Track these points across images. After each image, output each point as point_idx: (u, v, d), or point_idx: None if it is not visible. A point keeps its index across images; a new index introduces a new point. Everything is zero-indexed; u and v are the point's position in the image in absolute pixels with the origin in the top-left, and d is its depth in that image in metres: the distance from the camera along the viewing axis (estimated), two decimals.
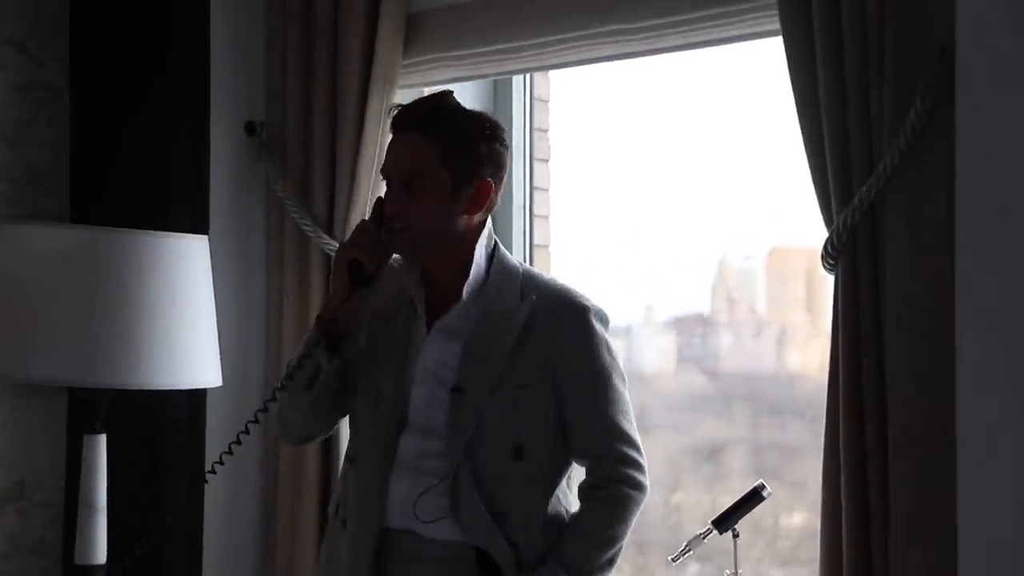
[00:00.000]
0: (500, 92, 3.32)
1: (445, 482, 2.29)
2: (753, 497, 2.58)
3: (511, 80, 3.28)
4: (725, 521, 2.58)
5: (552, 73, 3.31)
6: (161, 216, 3.08)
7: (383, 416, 2.34)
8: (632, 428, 2.37)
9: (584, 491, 2.35)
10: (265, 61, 3.16)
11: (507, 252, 2.43)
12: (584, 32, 2.74)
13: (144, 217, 3.05)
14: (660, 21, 2.61)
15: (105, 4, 3.34)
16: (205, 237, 2.89)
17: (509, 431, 2.30)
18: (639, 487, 2.34)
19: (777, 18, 2.33)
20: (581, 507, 2.35)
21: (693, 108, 3.09)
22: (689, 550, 2.61)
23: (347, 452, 2.44)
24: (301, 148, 3.07)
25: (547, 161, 3.40)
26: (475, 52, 2.92)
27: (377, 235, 2.32)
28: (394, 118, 2.35)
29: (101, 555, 2.85)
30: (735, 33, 2.53)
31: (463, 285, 2.33)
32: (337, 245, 2.93)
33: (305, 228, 3.00)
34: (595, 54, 2.78)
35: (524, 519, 2.30)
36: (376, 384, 2.36)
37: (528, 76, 3.28)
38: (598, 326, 2.35)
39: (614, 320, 2.41)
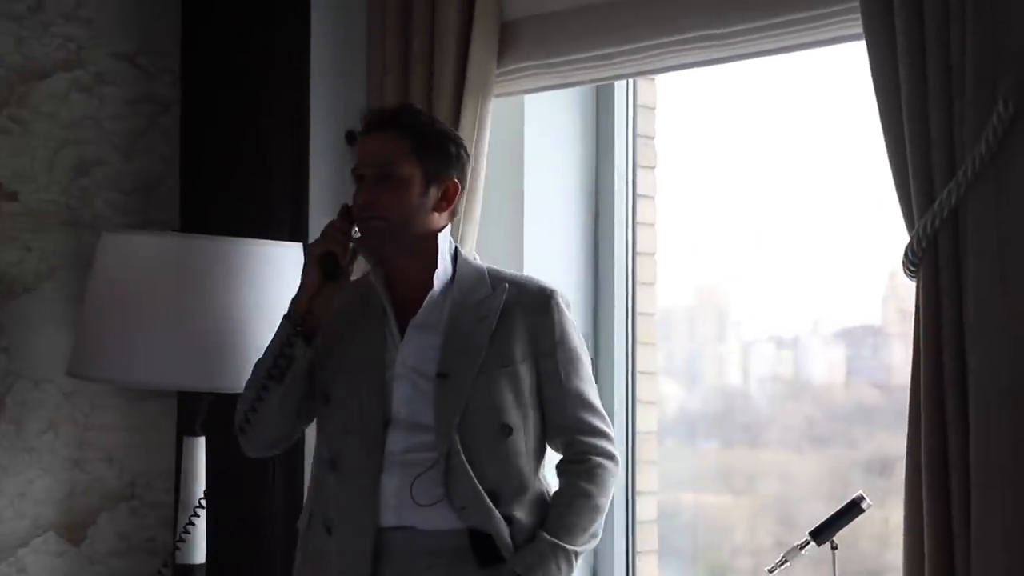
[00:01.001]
0: (603, 99, 3.34)
1: (438, 466, 2.36)
2: (852, 509, 2.54)
3: (613, 87, 3.29)
4: (823, 532, 2.55)
5: (659, 80, 3.31)
6: (262, 224, 3.16)
7: (366, 417, 2.40)
8: (599, 401, 2.51)
9: (564, 466, 2.47)
10: (364, 72, 3.22)
11: (467, 254, 2.55)
12: (673, 38, 2.73)
13: (247, 225, 3.13)
14: (747, 26, 2.59)
15: (213, 20, 3.45)
16: (302, 245, 2.95)
17: (496, 411, 2.41)
18: (613, 458, 2.48)
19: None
20: (563, 481, 2.46)
21: (807, 111, 3.04)
22: (786, 561, 2.58)
23: (322, 458, 2.47)
24: None
25: (653, 168, 3.40)
26: (567, 60, 2.93)
27: (348, 233, 2.41)
28: (365, 121, 2.45)
29: (200, 555, 2.93)
30: (820, 37, 2.51)
31: (430, 282, 2.42)
32: None
33: None
34: (684, 60, 2.77)
35: (515, 494, 2.41)
36: (356, 388, 2.42)
37: (630, 83, 3.28)
38: (565, 309, 2.49)
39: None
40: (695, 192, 3.33)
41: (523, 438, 2.43)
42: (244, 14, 3.37)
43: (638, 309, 3.32)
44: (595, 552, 3.28)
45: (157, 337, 2.79)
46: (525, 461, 2.43)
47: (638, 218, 3.35)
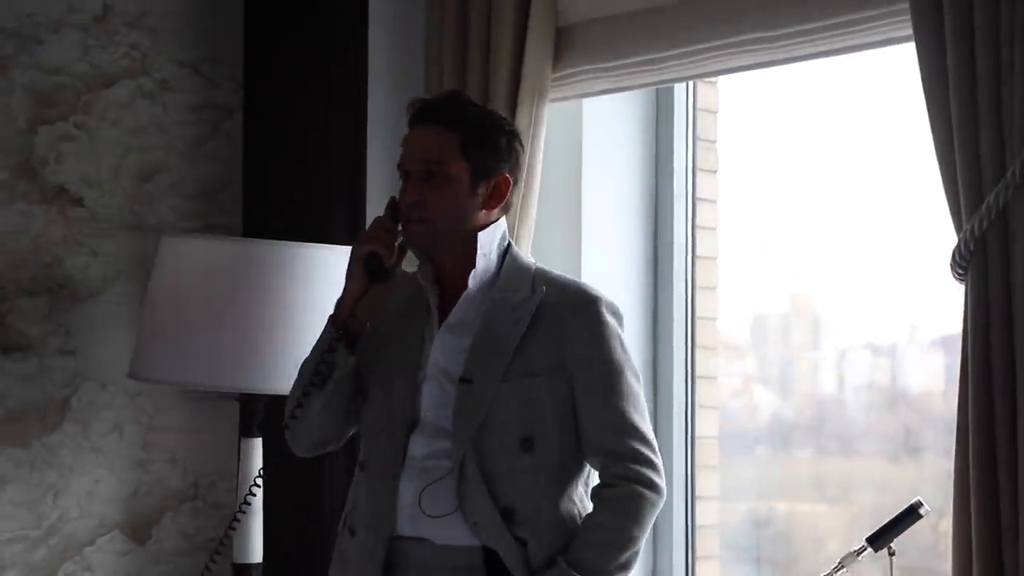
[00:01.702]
0: (662, 103, 3.33)
1: (451, 476, 2.24)
2: (910, 514, 2.50)
3: (672, 91, 3.28)
4: (880, 539, 2.51)
5: (720, 83, 3.30)
6: (321, 228, 3.20)
7: (394, 418, 2.30)
8: (646, 426, 2.29)
9: (596, 491, 2.28)
10: (422, 77, 3.25)
11: (520, 251, 2.40)
12: (727, 41, 2.72)
13: (307, 230, 3.17)
14: (800, 28, 2.58)
15: (274, 28, 3.49)
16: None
17: (517, 423, 2.25)
18: (653, 487, 2.26)
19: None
20: (593, 507, 2.28)
21: (875, 113, 3.00)
22: (842, 567, 2.55)
23: (359, 458, 2.38)
24: None
25: (715, 172, 3.38)
26: (622, 64, 2.93)
27: (394, 232, 2.30)
28: (412, 112, 2.31)
29: (257, 554, 2.97)
30: (872, 39, 2.49)
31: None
32: None
33: None
34: (738, 63, 2.76)
35: (533, 515, 2.24)
36: (390, 387, 2.32)
37: (690, 87, 3.28)
38: (610, 318, 2.30)
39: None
40: (758, 196, 3.30)
41: (548, 454, 2.25)
42: (305, 22, 3.41)
43: (698, 313, 3.31)
44: (654, 557, 3.28)
45: (214, 340, 2.83)
46: (549, 479, 2.25)
47: (699, 222, 3.33)
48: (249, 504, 2.52)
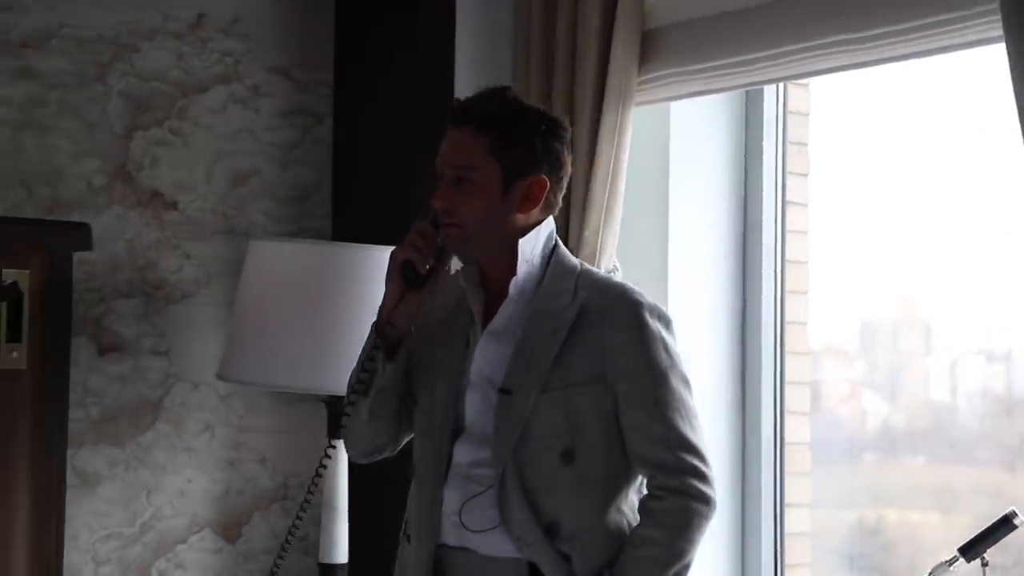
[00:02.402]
0: (752, 105, 3.30)
1: (492, 490, 2.18)
2: (1004, 524, 2.44)
3: (762, 93, 3.25)
4: (972, 549, 2.46)
5: (812, 86, 3.26)
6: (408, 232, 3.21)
7: (437, 424, 2.26)
8: (695, 435, 2.20)
9: (643, 503, 2.22)
10: (509, 81, 3.24)
11: (568, 252, 2.33)
12: (815, 43, 2.68)
13: (395, 233, 3.18)
14: (889, 29, 2.53)
15: (364, 34, 3.53)
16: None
17: (558, 434, 2.18)
18: (702, 499, 2.18)
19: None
20: (640, 520, 2.21)
21: (971, 115, 2.94)
22: None
23: (412, 463, 2.35)
24: None
25: (806, 175, 3.34)
26: (709, 66, 2.90)
27: (433, 237, 2.26)
28: (450, 114, 2.27)
29: (343, 555, 3.00)
30: (963, 40, 2.43)
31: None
32: None
33: None
34: (827, 64, 2.71)
35: (576, 529, 2.17)
36: (433, 391, 2.28)
37: (780, 89, 3.25)
38: (654, 323, 2.22)
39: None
40: (853, 199, 3.26)
41: (591, 466, 2.18)
42: (393, 28, 3.44)
43: (788, 318, 3.27)
44: (742, 565, 3.25)
45: (302, 342, 2.86)
46: (593, 491, 2.19)
47: (789, 226, 3.30)
48: (312, 494, 2.48)
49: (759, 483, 3.23)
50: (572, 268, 2.29)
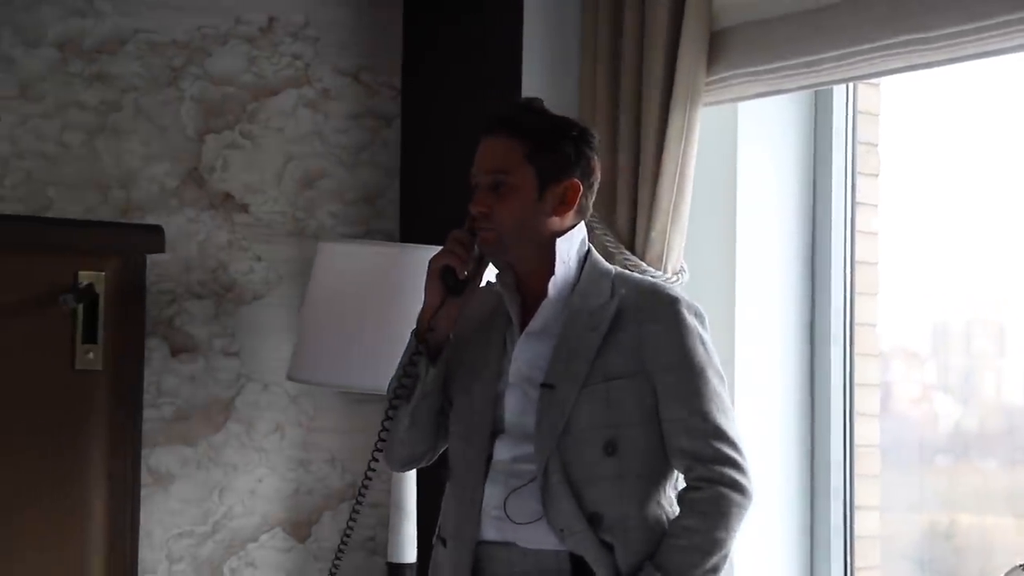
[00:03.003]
0: (821, 106, 3.28)
1: (536, 482, 2.23)
2: None
3: (832, 93, 3.23)
4: None
5: (883, 85, 3.24)
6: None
7: (476, 425, 2.30)
8: (730, 426, 2.26)
9: (681, 495, 2.26)
10: (576, 84, 3.26)
11: (600, 256, 2.39)
12: (884, 43, 2.66)
13: None
14: (959, 28, 2.51)
15: (432, 37, 3.55)
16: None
17: (600, 427, 2.23)
18: (738, 488, 2.23)
19: None
20: (679, 511, 2.26)
21: None
22: None
23: (446, 466, 2.39)
24: (607, 165, 3.13)
25: (876, 176, 3.32)
26: (777, 67, 2.88)
27: (470, 244, 2.31)
28: (482, 123, 2.33)
29: (411, 554, 3.02)
30: None
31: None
32: (637, 260, 2.98)
33: (608, 244, 3.05)
34: (896, 64, 2.69)
35: (619, 520, 2.22)
36: (471, 395, 2.32)
37: (850, 88, 3.22)
38: (690, 318, 2.28)
39: None
40: (925, 200, 3.22)
41: (632, 458, 2.24)
42: (461, 32, 3.46)
43: (857, 320, 3.25)
44: (811, 567, 3.23)
45: (370, 343, 2.89)
46: (634, 483, 2.24)
47: (859, 227, 3.27)
48: (367, 487, 2.49)
49: (828, 485, 3.21)
50: (607, 271, 2.36)
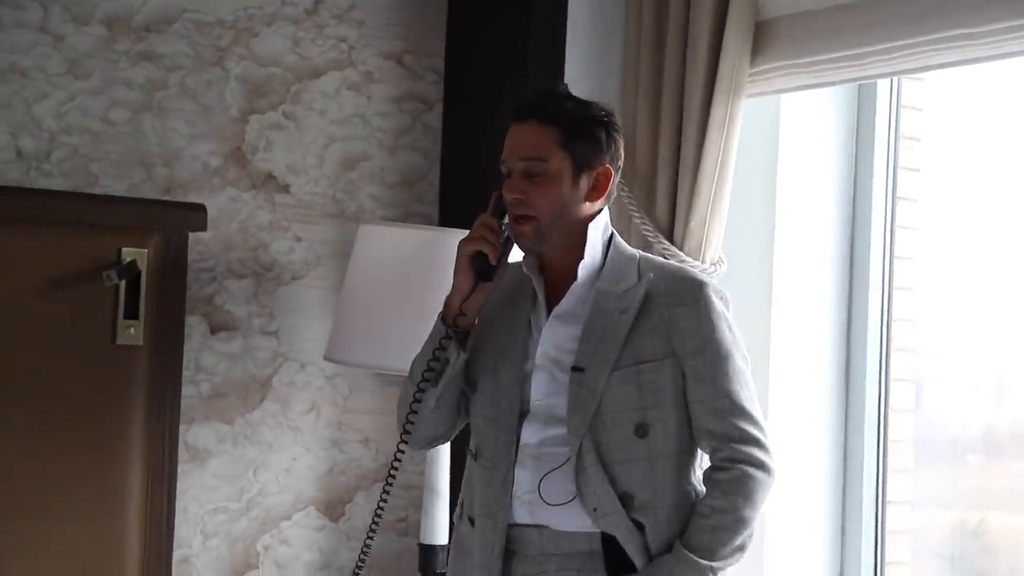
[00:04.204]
0: (864, 99, 3.27)
1: (569, 464, 2.26)
2: None
3: (876, 87, 3.22)
4: None
5: (928, 80, 3.22)
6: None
7: (504, 407, 2.33)
8: (754, 407, 2.31)
9: (707, 474, 2.31)
10: (619, 71, 3.26)
11: (623, 240, 2.42)
12: (929, 37, 2.65)
13: None
14: (1006, 24, 2.49)
15: (475, 22, 3.56)
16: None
17: (632, 409, 2.27)
18: (763, 467, 2.28)
19: None
20: (707, 490, 2.29)
21: None
22: None
23: (470, 448, 2.41)
24: (648, 155, 3.13)
25: (919, 171, 3.30)
26: (821, 59, 2.87)
27: (499, 228, 2.33)
28: (514, 110, 2.34)
29: (443, 536, 3.03)
30: None
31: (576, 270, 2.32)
32: (676, 250, 2.98)
33: (647, 233, 3.06)
34: (940, 59, 2.67)
35: (651, 500, 2.27)
36: (497, 377, 2.34)
37: (894, 83, 3.21)
38: (717, 302, 2.32)
39: None
40: (968, 196, 3.21)
41: (663, 439, 2.28)
42: (504, 18, 3.46)
43: (895, 315, 3.24)
44: (841, 561, 3.23)
45: (407, 325, 2.90)
46: (664, 464, 2.28)
47: (900, 221, 3.26)
48: (395, 471, 2.48)
49: (861, 479, 3.20)
50: (632, 254, 2.40)
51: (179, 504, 3.21)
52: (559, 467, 2.27)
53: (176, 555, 3.21)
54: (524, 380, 2.33)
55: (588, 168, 2.33)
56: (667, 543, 2.26)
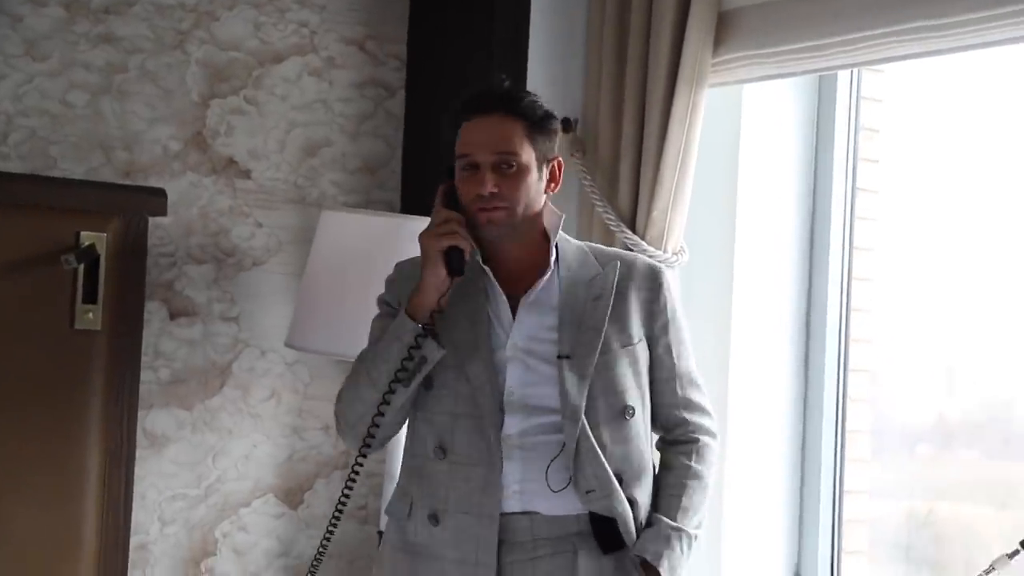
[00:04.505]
0: (825, 90, 3.29)
1: (567, 450, 2.30)
2: None
3: (836, 78, 3.24)
4: None
5: (888, 71, 3.24)
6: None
7: (483, 403, 2.32)
8: (701, 379, 2.49)
9: (671, 446, 2.47)
10: (582, 60, 3.26)
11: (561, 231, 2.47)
12: (892, 29, 2.67)
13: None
14: (968, 16, 2.52)
15: (437, 8, 3.55)
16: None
17: (618, 393, 2.36)
18: (714, 435, 2.49)
19: None
20: (674, 461, 2.45)
21: None
22: (993, 569, 2.50)
23: (426, 446, 2.37)
24: (610, 144, 3.14)
25: (877, 162, 3.32)
26: (783, 50, 2.90)
27: (463, 223, 2.33)
28: (472, 104, 2.37)
29: None
30: None
31: (535, 260, 2.37)
32: (638, 239, 2.99)
33: (609, 223, 3.06)
34: (903, 51, 2.70)
35: (636, 476, 2.37)
36: (464, 372, 2.34)
37: (854, 74, 3.23)
38: (668, 281, 2.46)
39: None
40: (924, 187, 3.23)
41: (642, 418, 2.40)
42: (467, 4, 3.46)
43: (853, 305, 3.27)
44: (799, 550, 3.25)
45: (368, 312, 2.88)
46: (641, 441, 2.39)
47: (859, 212, 3.28)
48: (357, 472, 2.42)
49: (820, 469, 3.22)
50: (579, 244, 2.47)
51: (137, 490, 3.19)
52: (559, 454, 2.31)
53: (133, 541, 3.19)
54: (497, 372, 2.34)
55: (547, 160, 2.39)
56: (646, 516, 2.38)
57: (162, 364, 3.36)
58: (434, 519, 2.36)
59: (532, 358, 2.34)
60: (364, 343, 2.93)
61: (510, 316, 2.36)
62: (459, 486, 2.34)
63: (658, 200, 2.99)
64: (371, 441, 2.38)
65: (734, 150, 3.23)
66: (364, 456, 2.39)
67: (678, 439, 2.46)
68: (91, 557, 2.89)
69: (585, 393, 2.33)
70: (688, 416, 2.46)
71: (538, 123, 2.36)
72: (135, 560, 3.25)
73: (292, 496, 3.50)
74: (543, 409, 2.33)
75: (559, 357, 2.33)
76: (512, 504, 2.33)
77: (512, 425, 2.33)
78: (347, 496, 2.44)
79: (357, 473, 2.42)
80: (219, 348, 3.42)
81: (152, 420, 3.34)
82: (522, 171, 2.33)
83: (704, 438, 2.45)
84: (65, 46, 3.25)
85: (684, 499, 2.40)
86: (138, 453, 3.16)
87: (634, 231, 3.03)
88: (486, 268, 2.38)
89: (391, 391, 2.33)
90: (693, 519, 2.40)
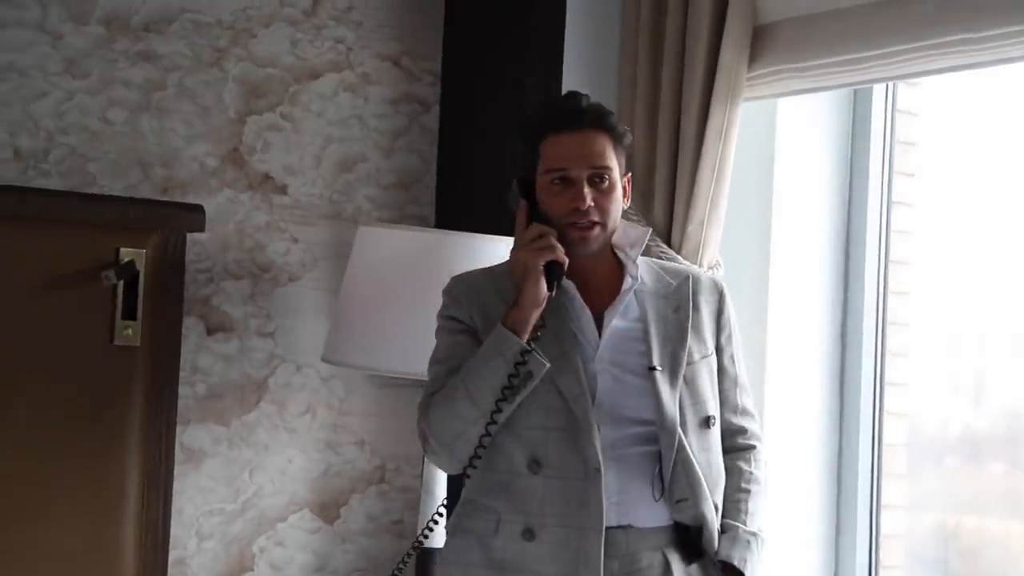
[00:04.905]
0: (860, 104, 3.28)
1: (664, 461, 2.34)
2: None
3: (871, 91, 3.23)
4: None
5: (924, 85, 3.23)
6: (510, 222, 3.23)
7: (579, 416, 2.31)
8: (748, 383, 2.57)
9: (730, 452, 2.49)
10: (615, 74, 3.26)
11: None
12: (928, 42, 2.66)
13: (497, 223, 3.21)
14: (1005, 30, 2.50)
15: (472, 25, 3.56)
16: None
17: (701, 403, 2.41)
18: (762, 440, 2.56)
19: None
20: (736, 467, 2.49)
21: None
22: None
23: (513, 461, 2.34)
24: (645, 158, 3.14)
25: (914, 176, 3.31)
26: (819, 64, 2.88)
27: (554, 236, 2.33)
28: (562, 118, 2.37)
29: (439, 539, 3.03)
30: None
31: (609, 274, 2.42)
32: (674, 254, 2.98)
33: None
34: (939, 64, 2.68)
35: (717, 484, 2.43)
36: (556, 386, 2.32)
37: (889, 87, 3.22)
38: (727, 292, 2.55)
39: None
40: (963, 201, 3.21)
41: (718, 427, 2.45)
42: (502, 21, 3.47)
43: (890, 319, 3.25)
44: (835, 564, 3.24)
45: (404, 327, 2.91)
46: (720, 450, 2.45)
47: (895, 226, 3.27)
48: (444, 507, 2.55)
49: (856, 483, 3.21)
50: (644, 258, 2.52)
51: (174, 505, 3.19)
52: (660, 466, 2.34)
53: (171, 556, 3.20)
54: (589, 385, 2.35)
55: (624, 174, 2.44)
56: (727, 517, 2.45)
57: (199, 379, 3.38)
58: (529, 534, 2.33)
59: (620, 370, 2.37)
60: (400, 357, 2.94)
61: (595, 330, 2.38)
62: (556, 500, 2.32)
63: (694, 214, 2.98)
64: (476, 461, 2.35)
65: (769, 164, 3.23)
66: (468, 476, 2.39)
67: (736, 445, 2.51)
68: (130, 573, 2.91)
69: (676, 405, 2.36)
70: (745, 423, 2.52)
71: (620, 138, 2.41)
72: (173, 575, 3.26)
73: (328, 511, 3.51)
74: (634, 420, 2.35)
75: (650, 369, 2.36)
76: (610, 518, 2.32)
77: (606, 437, 2.33)
78: (441, 515, 2.57)
79: (421, 544, 2.53)
80: (255, 363, 3.44)
81: (189, 435, 3.36)
82: (613, 185, 2.38)
83: (759, 444, 2.53)
84: (104, 64, 3.28)
85: (750, 503, 2.45)
86: (176, 468, 3.17)
87: (670, 245, 3.03)
88: (569, 284, 2.38)
89: (499, 410, 2.31)
90: (758, 523, 2.45)
